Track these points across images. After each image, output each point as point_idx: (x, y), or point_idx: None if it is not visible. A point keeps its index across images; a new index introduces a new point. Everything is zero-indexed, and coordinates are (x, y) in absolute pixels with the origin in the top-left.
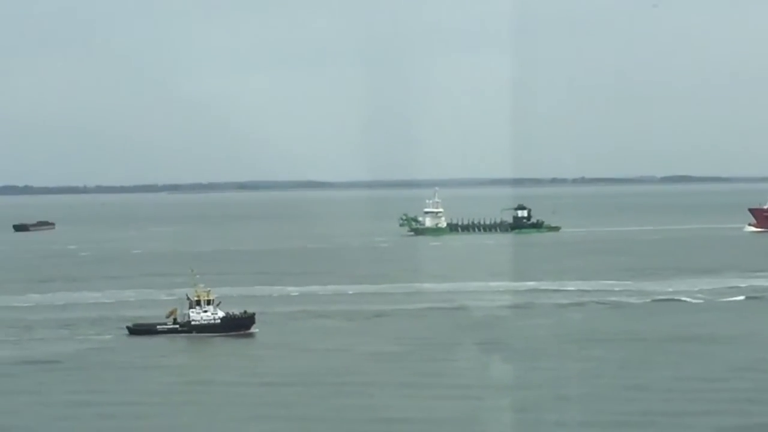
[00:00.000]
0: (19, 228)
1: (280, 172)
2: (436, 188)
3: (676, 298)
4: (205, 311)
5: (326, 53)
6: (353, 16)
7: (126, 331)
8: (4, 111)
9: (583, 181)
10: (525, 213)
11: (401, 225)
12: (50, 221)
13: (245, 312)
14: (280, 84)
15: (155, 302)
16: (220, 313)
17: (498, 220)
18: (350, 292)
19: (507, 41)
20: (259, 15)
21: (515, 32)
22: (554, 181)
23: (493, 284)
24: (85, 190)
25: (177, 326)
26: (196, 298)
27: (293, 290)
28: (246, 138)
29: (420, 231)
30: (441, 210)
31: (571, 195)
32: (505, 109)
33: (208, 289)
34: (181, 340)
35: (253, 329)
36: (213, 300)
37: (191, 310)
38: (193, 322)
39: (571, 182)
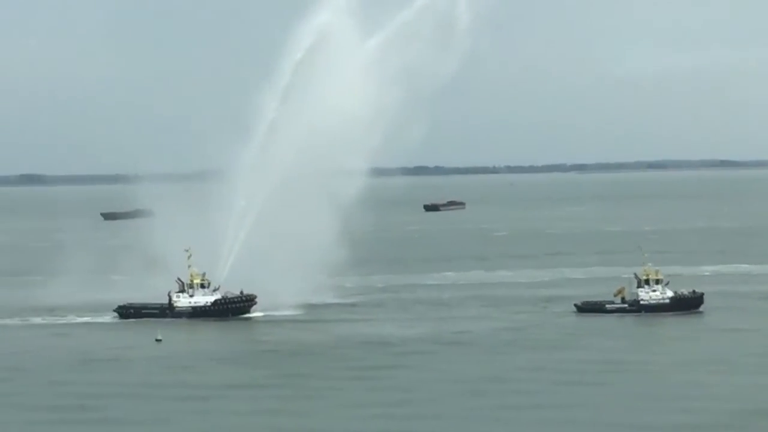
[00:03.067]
0: (430, 208)
1: (690, 151)
2: None
3: None
4: (654, 290)
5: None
6: None
7: (574, 309)
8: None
9: None
10: None
11: None
12: (460, 201)
13: (694, 291)
14: (706, 63)
15: (571, 282)
16: (669, 293)
17: None
18: None
19: None
20: None
21: None
22: None
23: None
24: (494, 170)
25: (626, 305)
26: (645, 277)
27: (711, 269)
28: (656, 117)
29: None
30: None
31: None
32: None
33: (657, 268)
34: (629, 319)
35: (701, 309)
36: (662, 279)
37: (640, 289)
38: (641, 302)
39: None
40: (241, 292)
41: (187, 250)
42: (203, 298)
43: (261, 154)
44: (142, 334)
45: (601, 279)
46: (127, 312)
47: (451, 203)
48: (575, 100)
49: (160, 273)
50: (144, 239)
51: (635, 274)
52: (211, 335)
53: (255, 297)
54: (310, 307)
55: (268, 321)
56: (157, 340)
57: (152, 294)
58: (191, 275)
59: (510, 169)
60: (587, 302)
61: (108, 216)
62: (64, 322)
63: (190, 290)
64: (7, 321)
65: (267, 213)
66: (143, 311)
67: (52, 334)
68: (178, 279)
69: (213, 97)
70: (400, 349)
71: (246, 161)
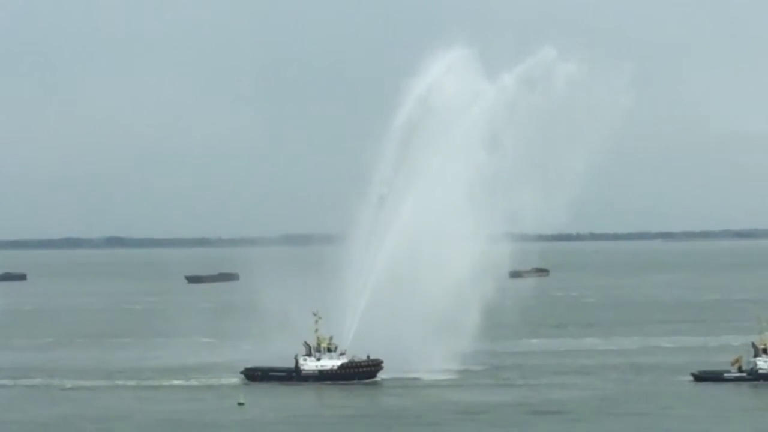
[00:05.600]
0: (514, 275)
1: None
2: None
3: None
4: None
5: None
6: None
7: (691, 378)
8: None
9: None
10: None
11: None
12: (544, 268)
13: None
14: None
15: (659, 349)
16: None
17: None
18: None
19: None
20: None
21: None
22: None
23: None
24: (578, 238)
25: (744, 374)
26: (762, 346)
27: None
28: (742, 183)
29: None
30: None
31: None
32: None
33: None
34: (745, 388)
35: None
36: None
37: (757, 358)
38: (760, 371)
39: None
40: (368, 357)
41: (315, 314)
42: (330, 362)
43: (375, 222)
44: (226, 397)
45: (695, 348)
46: (254, 375)
47: (536, 270)
48: (661, 168)
49: (279, 335)
50: (252, 301)
51: (753, 343)
52: (296, 399)
53: (381, 362)
54: (418, 372)
55: (372, 386)
56: (239, 404)
57: (268, 355)
58: (318, 339)
59: (594, 236)
60: (705, 371)
61: (192, 279)
62: (182, 383)
63: (317, 354)
64: (100, 383)
65: (387, 278)
66: (270, 374)
67: (146, 398)
68: (305, 342)
69: (311, 160)
70: (487, 417)
71: (363, 226)
